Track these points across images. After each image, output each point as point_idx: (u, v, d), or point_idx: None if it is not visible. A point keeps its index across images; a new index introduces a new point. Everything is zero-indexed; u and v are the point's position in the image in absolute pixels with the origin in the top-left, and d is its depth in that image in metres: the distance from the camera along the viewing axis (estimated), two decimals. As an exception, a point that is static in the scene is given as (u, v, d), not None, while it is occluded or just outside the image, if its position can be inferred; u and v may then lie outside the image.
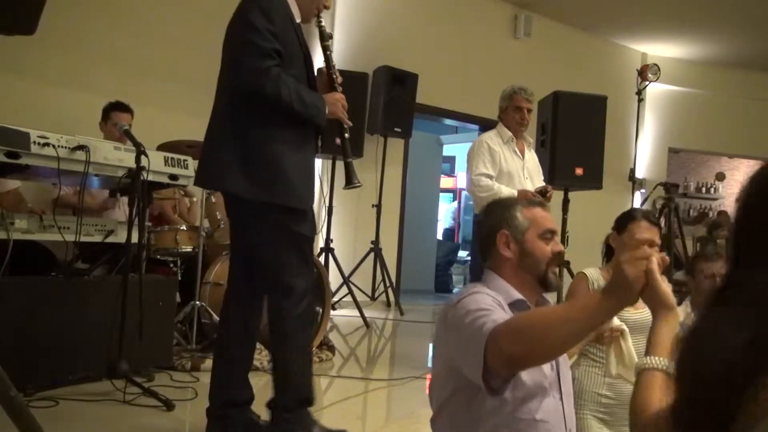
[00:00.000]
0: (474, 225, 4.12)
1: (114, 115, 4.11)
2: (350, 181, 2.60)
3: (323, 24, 2.61)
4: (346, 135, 2.57)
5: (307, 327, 2.48)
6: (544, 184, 4.04)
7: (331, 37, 2.66)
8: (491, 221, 1.75)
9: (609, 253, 2.59)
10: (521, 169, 3.97)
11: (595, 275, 2.46)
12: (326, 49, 2.56)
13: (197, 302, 3.91)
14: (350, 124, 2.58)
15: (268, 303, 2.45)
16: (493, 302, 1.53)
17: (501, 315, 1.46)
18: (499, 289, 1.65)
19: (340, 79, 2.57)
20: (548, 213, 1.76)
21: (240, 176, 2.33)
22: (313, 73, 2.57)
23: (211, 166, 2.41)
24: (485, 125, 6.08)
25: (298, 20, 2.51)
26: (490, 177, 3.84)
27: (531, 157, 4.10)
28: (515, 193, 3.81)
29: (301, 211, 2.41)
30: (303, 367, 2.44)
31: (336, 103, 2.51)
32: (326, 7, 2.61)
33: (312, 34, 2.83)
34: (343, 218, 6.48)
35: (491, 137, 4.00)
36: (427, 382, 3.78)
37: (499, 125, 4.06)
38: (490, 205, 1.83)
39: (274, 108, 2.34)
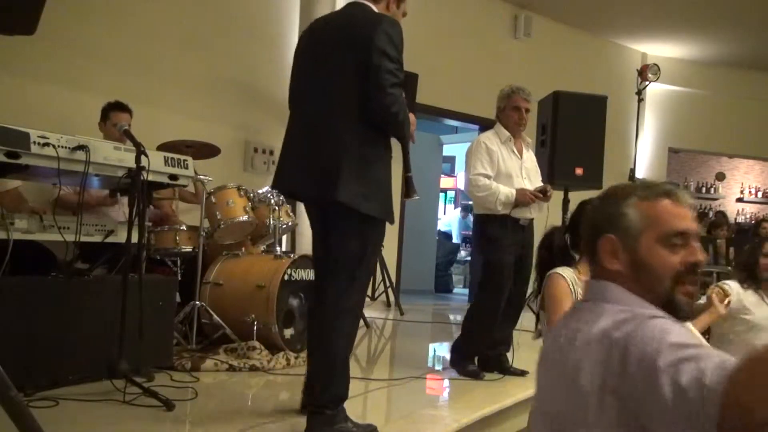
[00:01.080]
0: (474, 224, 4.11)
1: (113, 115, 4.11)
2: (409, 195, 2.79)
3: None
4: (407, 148, 2.75)
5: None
6: (542, 184, 4.03)
7: None
8: (595, 218, 1.34)
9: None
10: (519, 169, 3.95)
11: (570, 275, 2.43)
12: None
13: (197, 302, 3.91)
14: (414, 140, 2.78)
15: (330, 303, 2.54)
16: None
17: (711, 351, 1.03)
18: (632, 304, 1.22)
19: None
20: (683, 208, 1.27)
21: (355, 191, 2.47)
22: None
23: (327, 179, 2.49)
24: (485, 125, 6.07)
25: None
26: (488, 177, 3.83)
27: (529, 157, 4.09)
28: (514, 192, 3.80)
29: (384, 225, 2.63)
30: (345, 365, 2.56)
31: (413, 122, 2.71)
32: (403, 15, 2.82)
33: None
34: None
35: (489, 137, 3.98)
36: (427, 382, 3.78)
37: (497, 125, 4.04)
38: (603, 196, 1.38)
39: (394, 131, 2.57)
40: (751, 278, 3.45)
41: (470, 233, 5.58)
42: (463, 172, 9.82)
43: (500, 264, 3.82)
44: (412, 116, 2.67)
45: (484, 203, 3.83)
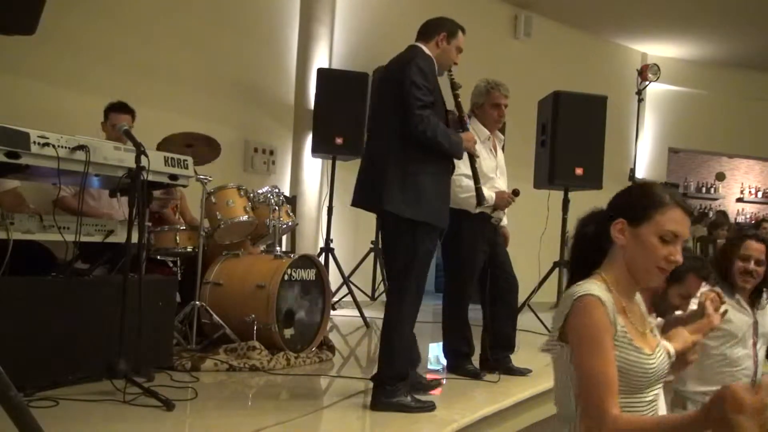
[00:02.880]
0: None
1: (112, 116, 4.12)
2: (480, 203, 3.34)
3: (453, 77, 3.30)
4: (477, 165, 3.28)
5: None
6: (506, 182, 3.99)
7: (460, 86, 3.32)
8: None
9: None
10: (495, 169, 3.86)
11: (606, 297, 1.67)
12: (456, 97, 3.29)
13: (197, 302, 3.91)
14: (479, 156, 3.30)
15: (385, 314, 3.03)
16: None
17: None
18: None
19: (467, 119, 3.35)
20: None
21: (399, 199, 2.96)
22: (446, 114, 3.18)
23: (376, 192, 3.01)
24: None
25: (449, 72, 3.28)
26: (469, 177, 3.68)
27: (501, 155, 3.98)
28: (494, 195, 3.75)
29: (439, 228, 3.07)
30: (403, 349, 3.01)
31: (470, 140, 3.21)
32: (455, 63, 3.26)
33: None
34: (343, 218, 6.47)
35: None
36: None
37: (473, 122, 3.82)
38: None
39: (428, 146, 2.96)
40: (724, 281, 2.98)
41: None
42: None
43: (470, 262, 3.79)
44: (468, 134, 3.19)
45: (463, 203, 3.68)
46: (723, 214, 9.56)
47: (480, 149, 3.79)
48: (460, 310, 3.89)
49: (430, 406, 2.97)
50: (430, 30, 3.20)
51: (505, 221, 4.03)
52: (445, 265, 4.00)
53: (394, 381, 2.95)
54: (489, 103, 3.84)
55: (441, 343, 4.01)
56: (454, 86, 3.27)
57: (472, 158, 3.31)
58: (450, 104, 3.29)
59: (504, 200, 3.78)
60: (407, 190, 2.95)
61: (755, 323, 3.05)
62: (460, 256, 3.85)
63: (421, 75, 2.95)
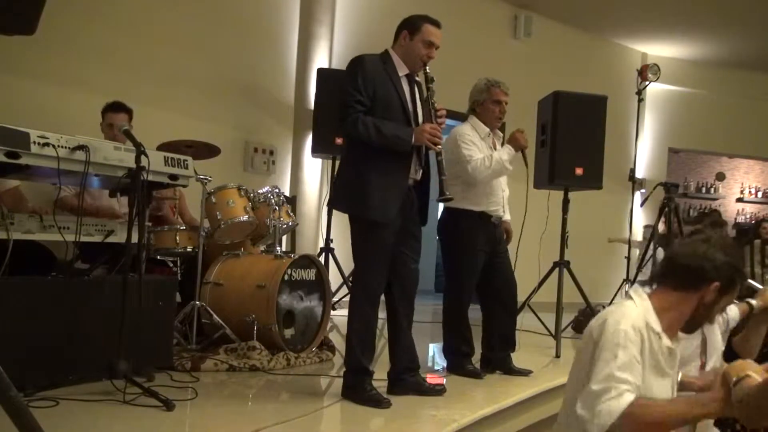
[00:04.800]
0: (445, 220, 4.03)
1: (108, 116, 4.12)
2: (442, 193, 3.16)
3: (428, 71, 3.27)
4: (439, 157, 3.15)
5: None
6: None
7: (433, 80, 3.28)
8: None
9: None
10: None
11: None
12: (428, 89, 3.24)
13: (197, 302, 3.91)
14: (436, 149, 3.12)
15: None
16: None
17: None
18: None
19: (441, 112, 3.21)
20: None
21: (341, 195, 3.18)
22: (415, 112, 3.22)
23: (335, 190, 3.27)
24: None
25: (402, 73, 3.22)
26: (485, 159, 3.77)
27: None
28: (506, 148, 3.81)
29: (380, 223, 3.04)
30: (356, 345, 3.09)
31: (421, 132, 3.09)
32: (430, 58, 3.25)
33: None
34: (343, 218, 6.44)
35: (468, 131, 3.87)
36: (427, 382, 3.77)
37: (473, 119, 3.92)
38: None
39: (370, 145, 3.04)
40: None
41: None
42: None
43: (471, 262, 3.83)
44: (422, 126, 3.10)
45: (495, 176, 3.81)
46: (717, 214, 9.54)
47: (481, 146, 3.82)
48: (461, 310, 3.90)
49: (386, 403, 3.01)
50: (396, 31, 3.29)
51: (507, 216, 4.04)
52: (445, 265, 4.02)
53: (355, 374, 3.08)
54: (490, 100, 3.87)
55: (441, 344, 4.01)
56: (427, 80, 3.26)
57: (438, 153, 3.16)
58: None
59: (519, 141, 3.83)
60: (354, 188, 3.08)
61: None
62: (460, 256, 3.86)
63: (351, 80, 3.07)
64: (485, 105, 3.89)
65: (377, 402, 3.01)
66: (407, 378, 3.25)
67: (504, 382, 3.74)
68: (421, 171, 3.24)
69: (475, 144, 3.83)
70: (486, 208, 3.86)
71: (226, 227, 4.13)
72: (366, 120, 3.04)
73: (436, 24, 3.29)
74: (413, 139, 3.08)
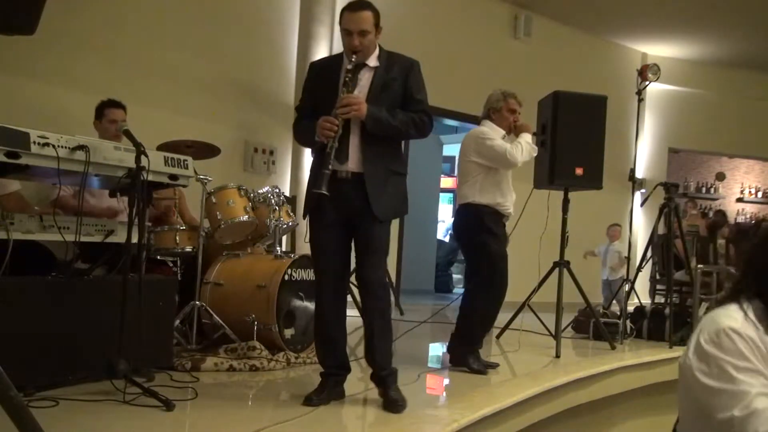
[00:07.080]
0: (467, 215, 4.14)
1: (109, 112, 4.10)
2: (319, 186, 2.93)
3: (353, 60, 3.01)
4: (327, 149, 2.94)
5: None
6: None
7: (350, 69, 3.02)
8: None
9: None
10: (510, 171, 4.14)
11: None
12: (345, 77, 3.00)
13: (197, 302, 3.91)
14: (323, 140, 2.95)
15: None
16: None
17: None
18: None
19: (343, 102, 2.94)
20: None
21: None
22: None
23: None
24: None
25: (350, 66, 3.02)
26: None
27: None
28: (524, 135, 4.09)
29: (311, 208, 3.08)
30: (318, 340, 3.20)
31: (317, 126, 2.96)
32: (352, 47, 2.98)
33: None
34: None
35: (487, 130, 4.10)
36: (427, 382, 3.78)
37: (489, 123, 4.16)
38: None
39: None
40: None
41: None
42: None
43: (503, 254, 3.99)
44: (321, 120, 2.93)
45: (528, 156, 4.07)
46: (722, 214, 9.56)
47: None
48: (479, 306, 3.99)
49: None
50: None
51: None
52: (468, 262, 4.22)
53: (329, 369, 3.11)
54: (507, 108, 4.15)
55: (441, 344, 4.01)
56: (348, 70, 3.08)
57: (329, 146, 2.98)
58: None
59: (526, 125, 4.15)
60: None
61: None
62: (483, 252, 3.98)
63: (305, 81, 3.22)
64: (501, 112, 4.14)
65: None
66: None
67: (504, 382, 3.74)
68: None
69: (497, 138, 4.06)
70: (509, 206, 4.09)
71: (226, 227, 4.13)
72: (300, 124, 3.16)
73: (351, 8, 2.98)
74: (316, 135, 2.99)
